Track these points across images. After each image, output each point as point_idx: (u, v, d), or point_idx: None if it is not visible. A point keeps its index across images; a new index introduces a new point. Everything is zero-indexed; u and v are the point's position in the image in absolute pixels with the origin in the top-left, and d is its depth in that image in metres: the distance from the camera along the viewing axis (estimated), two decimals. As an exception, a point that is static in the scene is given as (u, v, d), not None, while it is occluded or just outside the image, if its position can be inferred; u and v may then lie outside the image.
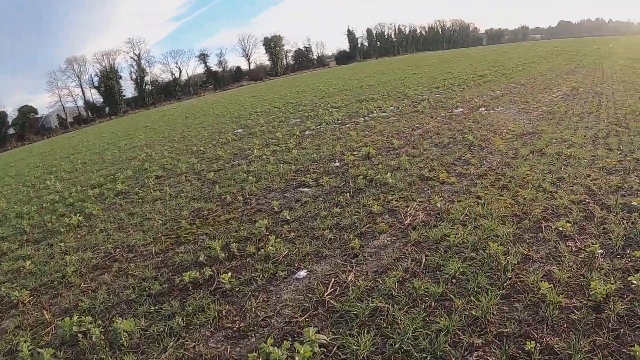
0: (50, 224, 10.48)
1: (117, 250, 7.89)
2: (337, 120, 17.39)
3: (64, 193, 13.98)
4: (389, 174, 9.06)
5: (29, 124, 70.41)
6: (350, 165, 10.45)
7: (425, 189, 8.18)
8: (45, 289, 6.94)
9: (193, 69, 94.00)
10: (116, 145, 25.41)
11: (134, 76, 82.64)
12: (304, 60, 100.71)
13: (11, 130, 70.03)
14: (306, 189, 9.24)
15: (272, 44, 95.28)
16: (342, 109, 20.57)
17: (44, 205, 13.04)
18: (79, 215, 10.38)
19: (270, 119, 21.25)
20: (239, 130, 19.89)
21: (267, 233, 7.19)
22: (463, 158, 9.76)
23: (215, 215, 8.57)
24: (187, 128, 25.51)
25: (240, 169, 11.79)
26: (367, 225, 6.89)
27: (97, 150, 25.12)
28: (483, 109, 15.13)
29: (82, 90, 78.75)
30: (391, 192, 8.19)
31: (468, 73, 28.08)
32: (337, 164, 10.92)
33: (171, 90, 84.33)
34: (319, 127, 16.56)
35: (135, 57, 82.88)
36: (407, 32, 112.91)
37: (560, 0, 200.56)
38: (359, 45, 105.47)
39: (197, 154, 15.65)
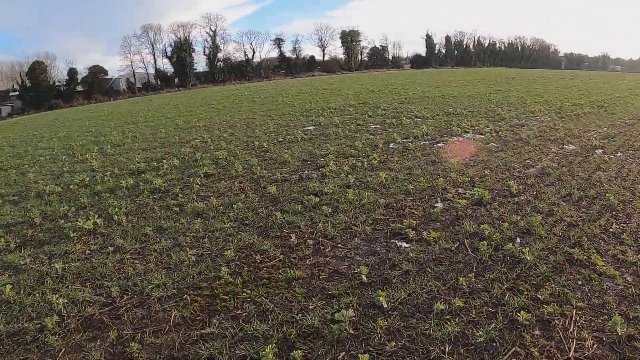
0: (62, 221, 8.19)
1: (124, 300, 5.40)
2: (426, 135, 14.48)
3: (97, 175, 11.86)
4: (518, 239, 6.23)
5: (97, 84, 71.25)
6: (460, 212, 7.53)
7: (580, 282, 5.27)
8: (7, 346, 4.56)
9: (267, 52, 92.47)
10: (174, 121, 23.45)
11: (207, 51, 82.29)
12: (378, 58, 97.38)
13: (80, 88, 70.79)
14: (404, 244, 6.43)
15: (349, 38, 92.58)
16: (429, 120, 17.55)
17: (71, 186, 10.90)
18: (98, 217, 8.02)
19: (346, 120, 18.52)
20: (310, 127, 17.28)
21: (352, 332, 4.45)
22: (611, 230, 6.71)
23: (272, 267, 5.91)
24: (252, 114, 23.17)
25: (311, 187, 9.12)
26: (512, 352, 4.04)
27: (153, 124, 23.25)
28: (600, 151, 11.86)
29: (154, 58, 79.26)
30: (533, 280, 5.31)
31: (560, 99, 24.25)
32: (441, 205, 8.04)
33: (242, 70, 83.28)
34: (406, 140, 13.72)
35: (211, 33, 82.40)
36: (486, 44, 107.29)
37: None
38: (436, 52, 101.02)
39: (259, 152, 13.21)
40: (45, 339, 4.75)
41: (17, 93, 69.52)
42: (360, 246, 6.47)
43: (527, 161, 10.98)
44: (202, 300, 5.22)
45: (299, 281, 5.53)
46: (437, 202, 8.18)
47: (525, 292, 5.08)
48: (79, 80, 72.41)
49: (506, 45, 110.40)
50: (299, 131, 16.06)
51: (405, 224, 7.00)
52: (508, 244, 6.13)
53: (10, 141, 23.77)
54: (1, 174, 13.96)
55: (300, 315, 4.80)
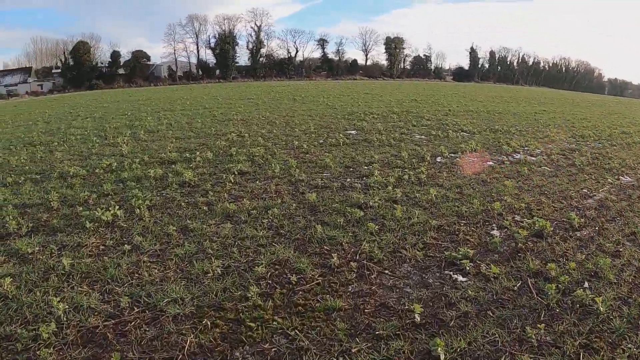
0: (81, 208, 7.51)
1: (134, 313, 4.64)
2: (474, 151, 13.34)
3: (125, 161, 11.24)
4: (586, 283, 5.32)
5: (139, 68, 71.90)
6: (519, 243, 6.50)
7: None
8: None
9: (310, 51, 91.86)
10: (211, 112, 22.87)
11: (250, 46, 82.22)
12: (420, 68, 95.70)
13: (121, 71, 71.61)
14: (460, 278, 5.48)
15: (393, 45, 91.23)
16: (476, 136, 16.42)
17: (96, 170, 10.28)
18: (119, 208, 7.29)
19: (389, 127, 17.55)
20: (352, 131, 16.38)
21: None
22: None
23: (309, 292, 5.03)
24: (292, 112, 22.40)
25: (354, 198, 8.21)
26: None
27: (189, 113, 22.72)
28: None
29: (197, 48, 79.54)
30: (608, 336, 4.40)
31: (607, 125, 22.63)
32: (498, 233, 7.02)
33: (284, 68, 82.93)
34: (454, 155, 12.66)
35: (255, 28, 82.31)
36: (531, 63, 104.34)
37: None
38: (479, 66, 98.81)
39: (298, 153, 12.38)
40: (38, 351, 4.01)
41: (59, 71, 70.69)
42: (410, 275, 5.54)
43: (584, 190, 9.81)
44: (225, 325, 4.38)
45: (340, 313, 4.64)
46: (494, 230, 7.17)
47: (602, 352, 4.10)
48: (121, 64, 73.23)
49: (550, 65, 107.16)
50: (340, 134, 15.18)
51: (460, 252, 6.03)
52: (577, 290, 5.12)
53: (46, 117, 23.64)
54: (29, 149, 13.53)
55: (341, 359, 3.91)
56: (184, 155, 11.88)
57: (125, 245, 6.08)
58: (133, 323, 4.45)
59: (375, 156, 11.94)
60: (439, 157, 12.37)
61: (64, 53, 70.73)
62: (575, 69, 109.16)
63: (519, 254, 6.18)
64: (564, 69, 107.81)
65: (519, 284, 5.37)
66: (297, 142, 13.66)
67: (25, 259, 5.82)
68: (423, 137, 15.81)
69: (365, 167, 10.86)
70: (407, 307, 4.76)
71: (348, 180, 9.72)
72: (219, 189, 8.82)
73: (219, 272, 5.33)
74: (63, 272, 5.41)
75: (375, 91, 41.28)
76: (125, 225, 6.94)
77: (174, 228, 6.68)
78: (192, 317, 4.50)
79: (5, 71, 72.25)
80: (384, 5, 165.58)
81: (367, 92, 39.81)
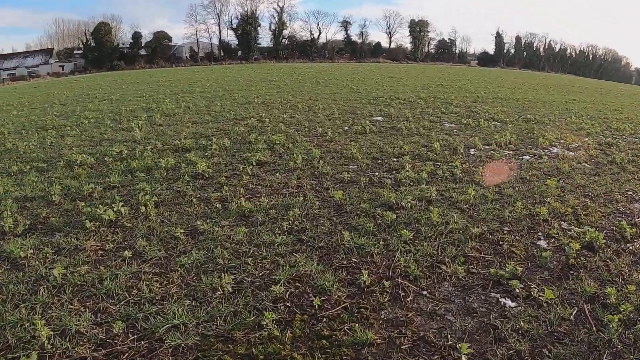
0: (83, 204, 6.87)
1: (128, 341, 3.94)
2: (509, 144, 12.38)
3: (137, 148, 10.61)
4: None
5: (160, 50, 71.48)
6: (571, 258, 5.61)
7: None
8: None
9: (333, 33, 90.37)
10: (231, 95, 22.15)
11: (272, 27, 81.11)
12: (445, 51, 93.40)
13: (142, 52, 71.31)
14: (509, 303, 4.67)
15: (418, 28, 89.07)
16: (508, 126, 15.36)
17: (105, 159, 9.66)
18: (123, 205, 6.62)
19: (417, 114, 16.60)
20: (379, 118, 15.49)
21: None
22: None
23: (334, 319, 4.27)
24: (315, 96, 21.53)
25: (385, 197, 7.39)
26: None
27: (209, 95, 22.04)
28: None
29: (219, 29, 78.76)
30: None
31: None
32: (545, 244, 6.13)
33: (306, 50, 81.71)
34: (488, 148, 11.77)
35: (278, 9, 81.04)
36: (557, 49, 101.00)
37: None
38: (505, 51, 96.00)
39: (321, 141, 11.63)
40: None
41: (81, 52, 70.71)
42: (451, 297, 4.73)
43: (629, 193, 8.77)
44: (233, 363, 3.63)
45: (371, 349, 3.86)
46: (541, 240, 6.28)
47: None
48: (142, 45, 72.90)
49: (577, 52, 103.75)
50: (367, 121, 14.29)
51: (507, 269, 5.17)
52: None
53: (63, 99, 23.21)
54: (40, 134, 13.00)
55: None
56: (200, 143, 11.18)
57: (126, 251, 5.39)
58: (126, 355, 3.75)
59: (404, 147, 11.05)
60: (473, 149, 11.45)
61: (85, 34, 70.67)
62: (602, 57, 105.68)
63: (572, 272, 5.32)
64: (590, 56, 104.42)
65: (575, 311, 4.52)
66: (320, 129, 12.85)
67: (16, 264, 5.21)
68: (453, 125, 14.84)
69: (395, 160, 10.02)
70: (450, 342, 3.96)
71: (377, 174, 8.91)
72: (235, 183, 8.09)
73: (230, 289, 4.60)
74: (54, 283, 4.76)
75: (400, 75, 40.10)
76: (129, 224, 6.26)
77: (182, 230, 5.97)
78: (195, 351, 3.79)
79: (27, 52, 72.53)
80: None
81: (391, 75, 38.67)
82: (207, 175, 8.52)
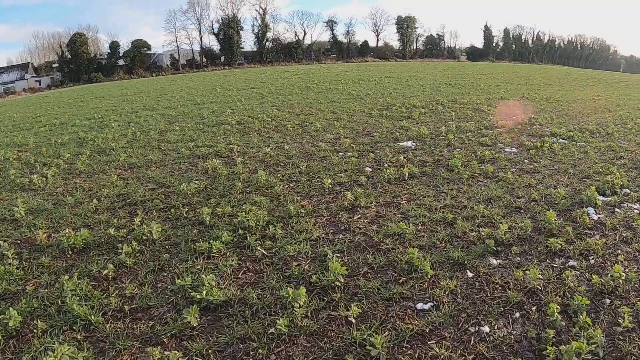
0: None
1: None
2: (623, 187, 6.93)
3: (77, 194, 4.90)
4: None
5: (139, 59, 65.17)
6: None
7: None
8: None
9: (318, 34, 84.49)
10: (201, 110, 16.52)
11: (255, 30, 74.68)
12: (434, 47, 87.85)
13: (122, 62, 65.03)
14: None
15: (405, 25, 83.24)
16: (588, 148, 10.03)
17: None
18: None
19: (454, 131, 11.37)
20: (407, 143, 10.02)
21: None
22: None
23: None
24: (308, 107, 15.94)
25: None
26: None
27: (173, 113, 16.45)
28: None
29: (200, 34, 72.36)
30: None
31: None
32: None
33: (292, 52, 75.53)
34: (609, 201, 6.29)
35: (261, 11, 74.75)
36: (546, 40, 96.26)
37: None
38: (494, 44, 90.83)
39: (337, 210, 6.08)
40: None
41: (58, 65, 64.31)
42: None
43: None
44: None
45: None
46: None
47: None
48: (120, 54, 66.49)
49: (565, 42, 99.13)
50: (394, 153, 8.86)
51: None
52: None
53: (3, 126, 17.35)
54: None
55: None
56: (107, 232, 5.55)
57: None
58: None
59: (485, 210, 5.71)
60: (591, 208, 6.00)
61: (61, 46, 64.08)
62: (590, 46, 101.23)
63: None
64: (579, 46, 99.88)
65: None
66: (325, 173, 7.32)
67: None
68: (514, 151, 9.39)
69: (495, 261, 4.51)
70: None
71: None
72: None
73: None
74: None
75: (397, 74, 34.51)
76: None
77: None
78: None
79: (2, 68, 65.91)
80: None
81: (387, 75, 33.05)
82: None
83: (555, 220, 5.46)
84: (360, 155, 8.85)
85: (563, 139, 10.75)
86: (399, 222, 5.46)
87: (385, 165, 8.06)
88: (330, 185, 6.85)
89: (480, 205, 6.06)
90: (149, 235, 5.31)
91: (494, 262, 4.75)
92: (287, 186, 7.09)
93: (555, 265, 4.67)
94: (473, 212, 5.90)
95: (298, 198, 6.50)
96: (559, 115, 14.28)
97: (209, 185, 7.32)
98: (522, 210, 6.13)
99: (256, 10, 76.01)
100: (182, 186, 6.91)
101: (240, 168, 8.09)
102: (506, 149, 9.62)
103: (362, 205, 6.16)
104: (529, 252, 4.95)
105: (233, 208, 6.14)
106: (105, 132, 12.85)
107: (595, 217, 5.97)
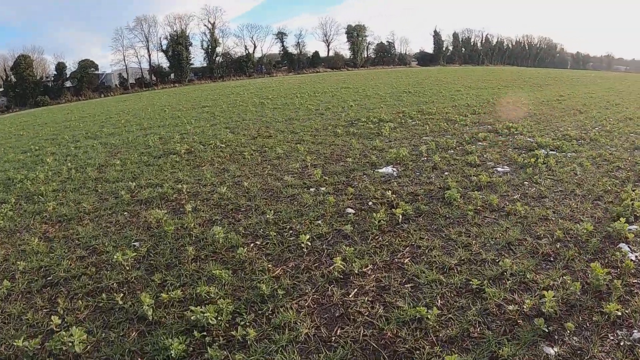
0: None
1: None
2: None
3: None
4: None
5: (87, 79, 61.45)
6: None
7: None
8: None
9: (268, 46, 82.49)
10: (147, 137, 14.57)
11: (205, 45, 71.97)
12: (385, 55, 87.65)
13: (69, 84, 61.21)
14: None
15: (355, 33, 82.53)
16: (583, 160, 9.02)
17: None
18: None
19: (435, 149, 9.92)
20: (387, 169, 8.60)
21: None
22: None
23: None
24: (266, 128, 14.29)
25: None
26: None
27: (116, 142, 14.39)
28: None
29: (148, 52, 69.07)
30: None
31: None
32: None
33: (242, 66, 73.31)
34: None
35: (209, 26, 72.26)
36: (494, 42, 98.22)
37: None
38: (444, 49, 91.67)
39: (321, 284, 4.47)
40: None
41: (2, 89, 59.81)
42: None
43: None
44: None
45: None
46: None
47: None
48: (67, 76, 62.58)
49: (514, 43, 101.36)
50: (374, 183, 7.35)
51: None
52: None
53: None
54: None
55: None
56: (6, 351, 3.71)
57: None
58: None
59: (514, 266, 4.42)
60: (624, 245, 4.98)
61: (5, 70, 59.62)
62: (538, 45, 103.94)
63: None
64: (527, 46, 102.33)
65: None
66: (303, 236, 5.52)
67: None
68: (508, 170, 8.10)
69: (552, 350, 3.19)
70: None
71: None
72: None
73: None
74: None
75: (352, 84, 33.29)
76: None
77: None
78: None
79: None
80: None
81: (343, 86, 31.77)
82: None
83: (602, 275, 4.08)
84: (336, 191, 7.24)
85: (552, 150, 9.60)
86: (412, 303, 3.90)
87: (370, 203, 6.49)
88: (309, 243, 5.19)
89: (505, 259, 4.60)
90: (70, 347, 3.54)
91: (551, 352, 3.32)
92: (252, 245, 5.39)
93: (621, 342, 3.31)
94: (498, 269, 4.44)
95: (269, 266, 4.82)
96: (535, 121, 13.24)
97: (152, 249, 5.54)
98: (553, 259, 4.76)
99: (205, 25, 73.49)
100: (117, 255, 5.09)
101: (190, 219, 6.33)
102: (498, 169, 8.29)
103: (356, 272, 4.56)
104: (585, 327, 3.58)
105: (184, 291, 4.40)
106: (37, 171, 10.74)
107: (633, 257, 4.75)
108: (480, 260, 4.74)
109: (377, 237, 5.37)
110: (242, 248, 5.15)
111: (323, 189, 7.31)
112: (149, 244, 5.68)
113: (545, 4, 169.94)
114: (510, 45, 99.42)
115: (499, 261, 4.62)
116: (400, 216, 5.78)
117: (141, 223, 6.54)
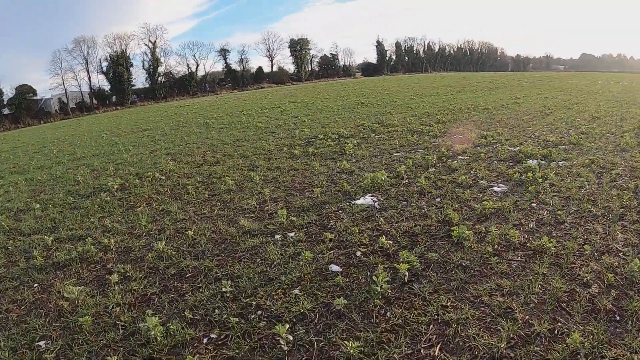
0: None
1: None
2: None
3: None
4: None
5: (26, 106, 56.78)
6: None
7: None
8: None
9: (212, 64, 79.66)
10: (77, 172, 12.27)
11: (146, 65, 68.42)
12: (329, 67, 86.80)
13: (6, 111, 56.37)
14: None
15: (298, 47, 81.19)
16: (585, 181, 7.70)
17: None
18: None
19: (413, 169, 8.43)
20: (366, 200, 7.00)
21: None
22: None
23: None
24: (211, 151, 12.44)
25: None
26: None
27: (42, 178, 12.16)
28: None
29: (88, 74, 64.79)
30: None
31: (592, 107, 14.96)
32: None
33: (185, 85, 70.29)
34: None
35: (150, 45, 68.84)
36: (436, 49, 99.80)
37: (584, 34, 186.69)
38: (387, 58, 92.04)
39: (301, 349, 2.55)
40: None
41: None
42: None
43: None
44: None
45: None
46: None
47: None
48: (5, 103, 57.63)
49: (455, 49, 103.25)
50: (363, 227, 5.59)
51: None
52: None
53: None
54: None
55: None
56: None
57: None
58: None
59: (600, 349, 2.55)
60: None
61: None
62: (479, 50, 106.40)
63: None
64: (468, 51, 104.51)
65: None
66: (280, 327, 3.97)
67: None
68: (506, 190, 6.75)
69: None
70: None
71: None
72: None
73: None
74: None
75: (300, 98, 31.76)
76: None
77: None
78: None
79: None
80: (277, 12, 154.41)
81: (291, 100, 30.18)
82: None
83: None
84: (309, 237, 5.52)
85: (541, 160, 8.33)
86: None
87: (358, 253, 4.82)
88: (289, 336, 3.44)
89: (564, 326, 3.06)
90: None
91: None
92: (205, 342, 3.57)
93: None
94: (565, 349, 2.93)
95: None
96: (507, 127, 12.10)
97: (62, 354, 3.63)
98: (619, 318, 3.25)
99: (145, 45, 69.75)
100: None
101: (117, 297, 4.43)
102: (495, 188, 6.87)
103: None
104: None
105: None
106: None
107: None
108: (536, 336, 3.20)
109: (383, 312, 3.70)
110: (190, 348, 3.33)
111: (292, 235, 5.56)
112: (57, 345, 3.77)
113: (483, 8, 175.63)
114: (452, 52, 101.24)
115: (559, 333, 3.09)
116: (406, 274, 4.13)
117: (51, 306, 4.58)
